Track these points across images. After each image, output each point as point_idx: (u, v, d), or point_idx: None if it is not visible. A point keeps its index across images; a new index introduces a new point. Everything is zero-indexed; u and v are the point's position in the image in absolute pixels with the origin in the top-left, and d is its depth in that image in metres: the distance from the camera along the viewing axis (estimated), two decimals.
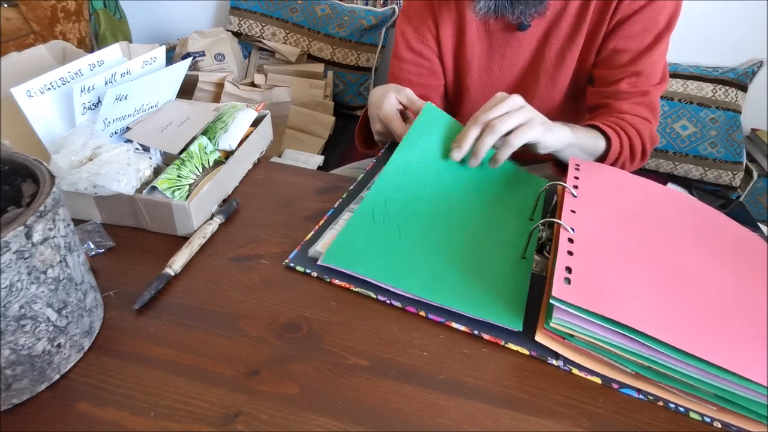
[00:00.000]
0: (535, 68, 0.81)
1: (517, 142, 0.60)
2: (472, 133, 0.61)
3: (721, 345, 0.40)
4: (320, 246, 0.54)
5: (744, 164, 1.43)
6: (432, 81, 0.87)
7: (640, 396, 0.42)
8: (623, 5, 0.72)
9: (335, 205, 0.62)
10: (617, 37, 0.74)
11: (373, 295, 0.50)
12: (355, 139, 0.87)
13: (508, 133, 0.60)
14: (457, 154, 0.62)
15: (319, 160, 1.38)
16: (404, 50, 0.85)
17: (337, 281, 0.51)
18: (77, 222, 0.57)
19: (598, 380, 0.43)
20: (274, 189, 0.67)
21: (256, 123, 0.72)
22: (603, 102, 0.77)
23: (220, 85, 1.49)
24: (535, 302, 0.48)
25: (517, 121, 0.60)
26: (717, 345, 0.40)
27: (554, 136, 0.63)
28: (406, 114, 0.73)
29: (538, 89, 0.82)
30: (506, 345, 0.45)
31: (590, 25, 0.75)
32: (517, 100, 0.62)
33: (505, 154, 0.61)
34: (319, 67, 1.64)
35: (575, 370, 0.43)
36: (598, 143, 0.71)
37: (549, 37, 0.77)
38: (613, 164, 0.73)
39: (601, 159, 0.73)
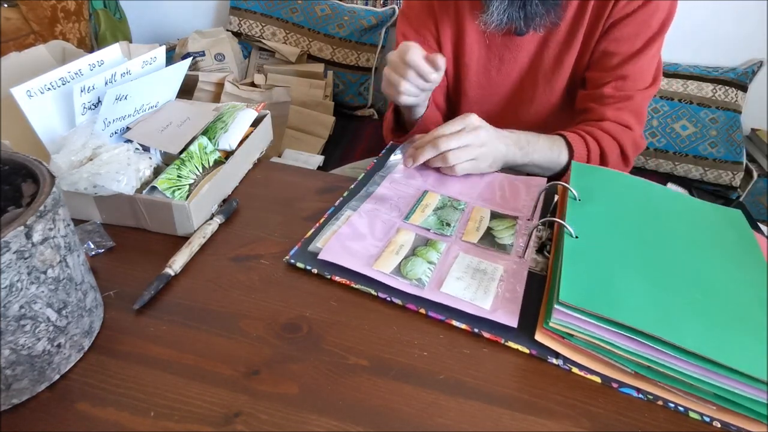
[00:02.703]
0: (533, 72, 0.81)
1: (459, 173, 0.66)
2: (427, 155, 0.65)
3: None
4: (320, 242, 0.54)
5: (744, 164, 1.43)
6: None
7: (640, 395, 0.42)
8: (618, 7, 0.71)
9: (336, 204, 0.62)
10: (608, 39, 0.74)
11: (373, 293, 0.50)
12: (384, 130, 0.88)
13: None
14: (410, 164, 0.67)
15: (319, 160, 1.38)
16: None
17: (337, 278, 0.51)
18: (77, 222, 0.57)
19: (597, 379, 0.43)
20: (274, 189, 0.67)
21: (256, 123, 0.72)
22: (588, 106, 0.77)
23: (220, 85, 1.49)
24: (535, 302, 0.48)
25: (469, 156, 0.64)
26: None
27: (496, 167, 0.68)
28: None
29: (536, 92, 0.82)
30: (506, 343, 0.45)
31: (587, 28, 0.75)
32: (481, 135, 0.64)
33: (447, 172, 0.67)
34: (319, 67, 1.64)
35: (575, 369, 0.43)
36: (559, 158, 0.72)
37: (547, 42, 0.77)
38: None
39: (566, 169, 0.72)
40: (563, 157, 0.72)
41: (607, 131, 0.73)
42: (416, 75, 0.65)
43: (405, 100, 0.69)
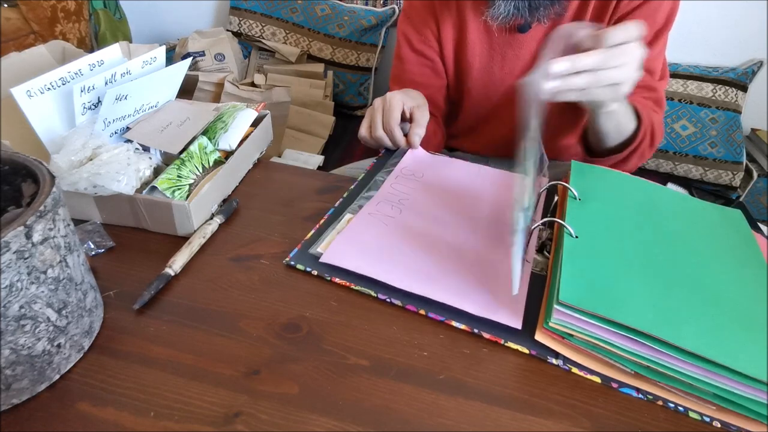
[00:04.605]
0: (535, 69, 0.81)
1: (591, 99, 0.56)
2: (587, 62, 0.52)
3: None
4: (321, 247, 0.54)
5: (744, 164, 1.43)
6: (435, 81, 0.87)
7: (640, 395, 0.42)
8: (622, 4, 0.72)
9: (336, 205, 0.62)
10: None
11: (373, 293, 0.50)
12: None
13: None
14: (559, 67, 0.53)
15: (319, 160, 1.38)
16: (407, 51, 0.85)
17: (337, 279, 0.51)
18: (77, 222, 0.57)
19: (597, 379, 0.43)
20: (274, 189, 0.67)
21: (256, 123, 0.72)
22: None
23: (220, 85, 1.49)
24: (535, 302, 0.48)
25: (617, 79, 0.53)
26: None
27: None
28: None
29: None
30: (506, 344, 0.45)
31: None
32: (638, 56, 0.53)
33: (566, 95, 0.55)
34: (319, 67, 1.64)
35: (575, 369, 0.44)
36: (630, 122, 0.69)
37: (549, 39, 0.78)
38: (636, 148, 0.71)
39: (628, 141, 0.70)
40: (631, 125, 0.69)
41: (646, 108, 0.72)
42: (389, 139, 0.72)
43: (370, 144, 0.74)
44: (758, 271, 0.48)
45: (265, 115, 0.75)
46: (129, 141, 0.61)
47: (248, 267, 0.54)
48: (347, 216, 0.59)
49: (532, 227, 0.54)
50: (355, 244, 0.54)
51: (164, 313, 0.48)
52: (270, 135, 0.77)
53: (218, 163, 0.64)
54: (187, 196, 0.57)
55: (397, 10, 1.63)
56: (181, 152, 0.61)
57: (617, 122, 0.67)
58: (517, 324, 0.46)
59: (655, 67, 0.75)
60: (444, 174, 0.68)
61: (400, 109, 0.70)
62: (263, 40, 1.69)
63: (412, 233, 0.56)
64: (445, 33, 0.82)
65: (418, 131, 0.71)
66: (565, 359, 0.44)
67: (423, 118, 0.72)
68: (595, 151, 0.76)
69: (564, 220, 0.52)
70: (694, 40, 1.48)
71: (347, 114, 1.69)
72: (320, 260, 0.52)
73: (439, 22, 0.82)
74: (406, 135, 0.73)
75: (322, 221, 0.59)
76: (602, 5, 0.73)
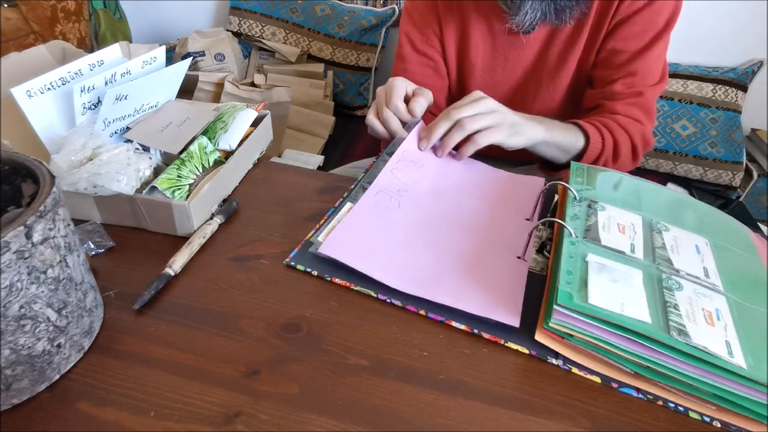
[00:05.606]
0: (537, 70, 0.81)
1: (482, 142, 0.64)
2: (442, 127, 0.64)
3: None
4: (321, 236, 0.54)
5: (744, 164, 1.43)
6: (436, 81, 0.87)
7: (640, 395, 0.42)
8: (624, 6, 0.72)
9: (336, 205, 0.62)
10: (616, 37, 0.74)
11: (373, 294, 0.50)
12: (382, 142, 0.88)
13: (476, 132, 0.63)
14: (425, 144, 0.66)
15: (319, 160, 1.38)
16: (409, 51, 0.85)
17: (337, 280, 0.51)
18: (77, 222, 0.57)
19: (597, 380, 0.43)
20: (274, 189, 0.67)
21: (256, 123, 0.72)
22: (598, 103, 0.77)
23: (220, 85, 1.49)
24: (535, 302, 0.48)
25: (485, 123, 0.63)
26: None
27: (520, 139, 0.65)
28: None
29: (540, 90, 0.82)
30: (506, 344, 0.45)
31: (591, 27, 0.75)
32: (489, 103, 0.64)
33: (469, 150, 0.65)
34: (319, 67, 1.64)
35: (575, 370, 0.44)
36: (577, 142, 0.71)
37: (552, 40, 0.78)
38: (593, 163, 0.72)
39: (579, 157, 0.73)
40: (580, 142, 0.72)
41: (620, 124, 0.74)
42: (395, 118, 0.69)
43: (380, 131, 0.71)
44: (757, 272, 0.48)
45: (265, 115, 0.75)
46: (129, 141, 0.61)
47: (248, 267, 0.54)
48: (347, 205, 0.59)
49: (532, 228, 0.54)
50: (354, 238, 0.54)
51: (164, 313, 0.48)
52: (270, 135, 0.77)
53: (218, 163, 0.64)
54: (187, 196, 0.57)
55: (397, 10, 1.63)
56: (181, 152, 0.61)
57: (556, 148, 0.71)
58: (514, 322, 0.46)
59: (652, 70, 0.75)
60: (445, 168, 0.67)
61: (404, 88, 0.69)
62: (263, 40, 1.69)
63: (411, 230, 0.56)
64: (448, 33, 0.82)
65: (421, 101, 0.68)
66: (565, 359, 0.44)
67: (426, 93, 0.70)
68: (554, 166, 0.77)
69: (564, 220, 0.52)
70: (694, 40, 1.48)
71: (347, 114, 1.68)
72: (319, 250, 0.52)
73: (442, 22, 0.82)
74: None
75: (322, 221, 0.59)
76: (605, 5, 0.73)
